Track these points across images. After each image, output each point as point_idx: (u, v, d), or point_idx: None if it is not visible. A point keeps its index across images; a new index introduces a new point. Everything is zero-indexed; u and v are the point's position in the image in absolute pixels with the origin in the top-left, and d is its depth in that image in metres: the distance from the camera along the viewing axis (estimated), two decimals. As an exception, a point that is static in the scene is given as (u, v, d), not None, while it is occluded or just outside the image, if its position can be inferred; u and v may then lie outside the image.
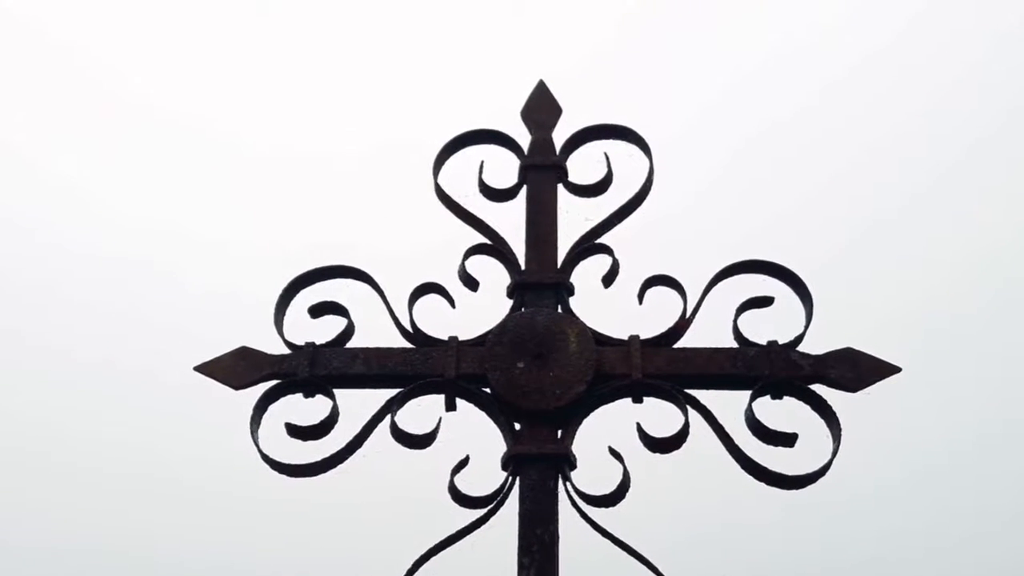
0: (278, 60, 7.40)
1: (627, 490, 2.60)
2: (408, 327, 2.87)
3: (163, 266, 7.33)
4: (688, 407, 2.69)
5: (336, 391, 2.80)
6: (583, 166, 3.11)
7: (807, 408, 2.73)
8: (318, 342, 2.84)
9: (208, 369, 2.81)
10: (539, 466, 2.63)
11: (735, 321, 2.81)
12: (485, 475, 2.70)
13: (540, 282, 2.91)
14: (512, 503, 2.63)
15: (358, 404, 2.81)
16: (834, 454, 2.65)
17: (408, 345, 2.86)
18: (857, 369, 2.73)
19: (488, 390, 2.76)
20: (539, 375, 2.73)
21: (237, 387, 2.79)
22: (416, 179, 3.25)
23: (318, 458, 2.72)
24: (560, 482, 2.63)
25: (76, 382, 6.67)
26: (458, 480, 2.66)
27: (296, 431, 2.73)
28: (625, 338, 2.82)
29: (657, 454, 2.66)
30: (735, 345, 2.81)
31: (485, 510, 2.64)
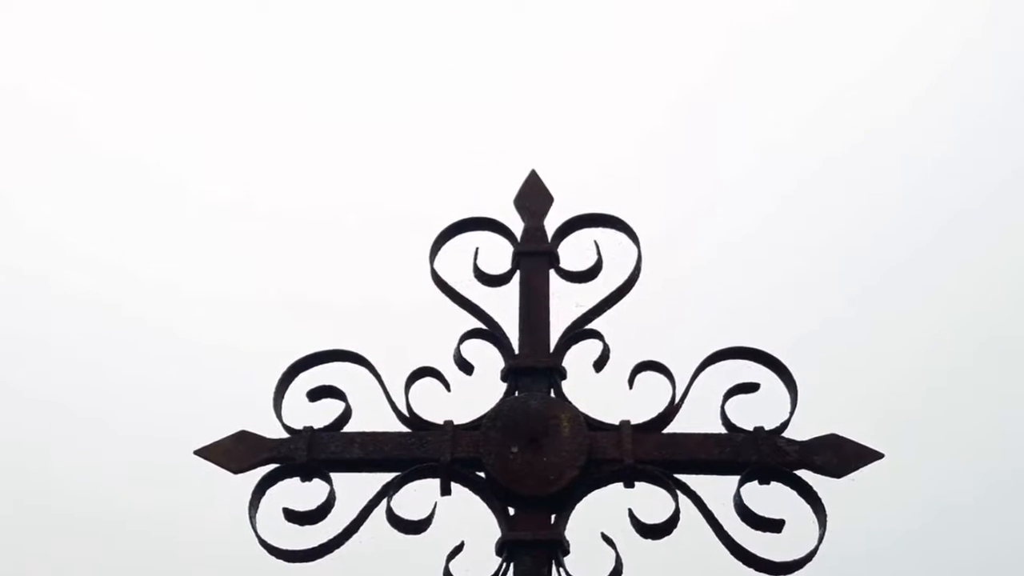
0: (282, 123, 7.54)
1: (620, 576, 2.66)
2: (404, 411, 2.93)
3: (157, 320, 7.36)
4: (678, 492, 2.76)
5: (333, 475, 2.85)
6: (574, 253, 3.22)
7: (794, 493, 2.82)
8: (316, 426, 2.90)
9: (208, 453, 2.85)
10: (533, 552, 2.68)
11: (723, 406, 2.90)
12: (479, 560, 2.74)
13: (533, 367, 2.99)
14: (507, 589, 2.67)
15: (355, 488, 2.86)
16: (820, 539, 2.72)
17: (404, 429, 2.92)
18: (841, 455, 2.81)
19: (483, 474, 2.82)
20: (533, 460, 2.79)
21: (236, 471, 2.83)
22: (412, 247, 3.36)
23: (315, 543, 2.75)
24: (554, 568, 2.68)
25: (75, 439, 6.67)
26: (453, 566, 2.70)
27: (294, 516, 2.77)
28: (616, 423, 2.89)
29: (648, 540, 2.72)
30: (723, 430, 2.89)
31: (480, 596, 2.68)
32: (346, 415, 2.92)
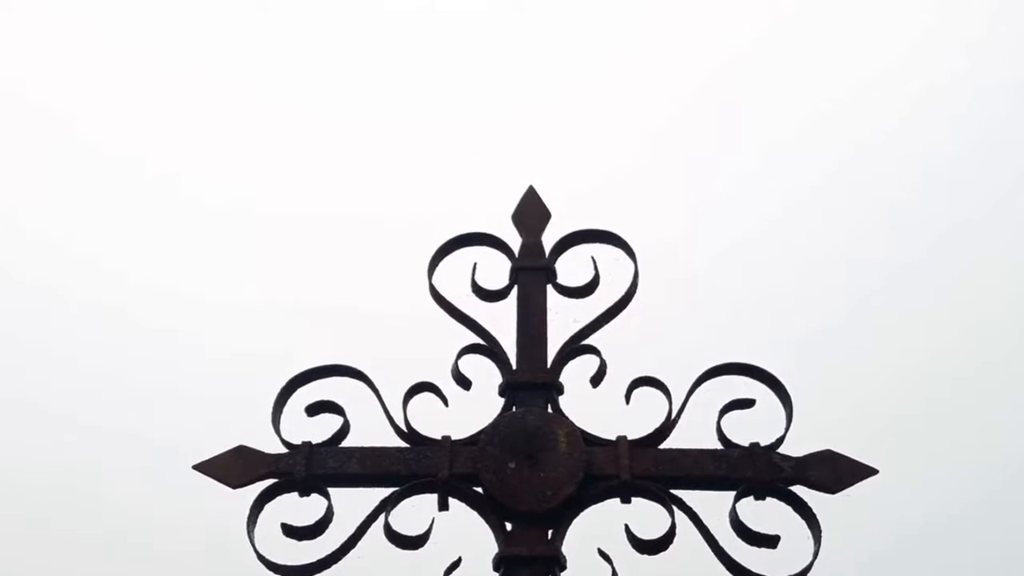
0: (282, 130, 7.58)
1: (616, 592, 2.67)
2: (402, 426, 2.95)
3: (159, 324, 7.38)
4: (675, 508, 2.78)
5: (331, 490, 2.87)
6: (572, 268, 3.24)
7: (789, 508, 2.83)
8: (314, 440, 2.92)
9: (206, 468, 2.87)
10: (531, 568, 2.70)
11: (718, 422, 2.92)
12: (477, 576, 2.76)
13: (531, 382, 3.01)
14: (504, 605, 2.69)
15: (353, 503, 2.88)
16: (815, 556, 2.74)
17: (402, 444, 2.94)
18: (835, 471, 2.83)
19: (480, 490, 2.84)
20: (530, 476, 2.81)
21: (235, 486, 2.85)
22: (410, 261, 3.38)
23: (313, 558, 2.77)
24: (551, 584, 2.70)
25: (78, 445, 6.68)
26: (451, 582, 2.72)
27: (292, 531, 2.79)
28: (613, 438, 2.91)
29: (645, 555, 2.74)
30: (719, 446, 2.91)
31: (477, 612, 2.70)
32: (344, 430, 2.94)
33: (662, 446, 2.92)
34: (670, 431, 2.93)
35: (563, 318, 3.16)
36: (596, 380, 3.03)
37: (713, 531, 2.78)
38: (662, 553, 2.74)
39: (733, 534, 2.78)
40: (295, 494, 2.87)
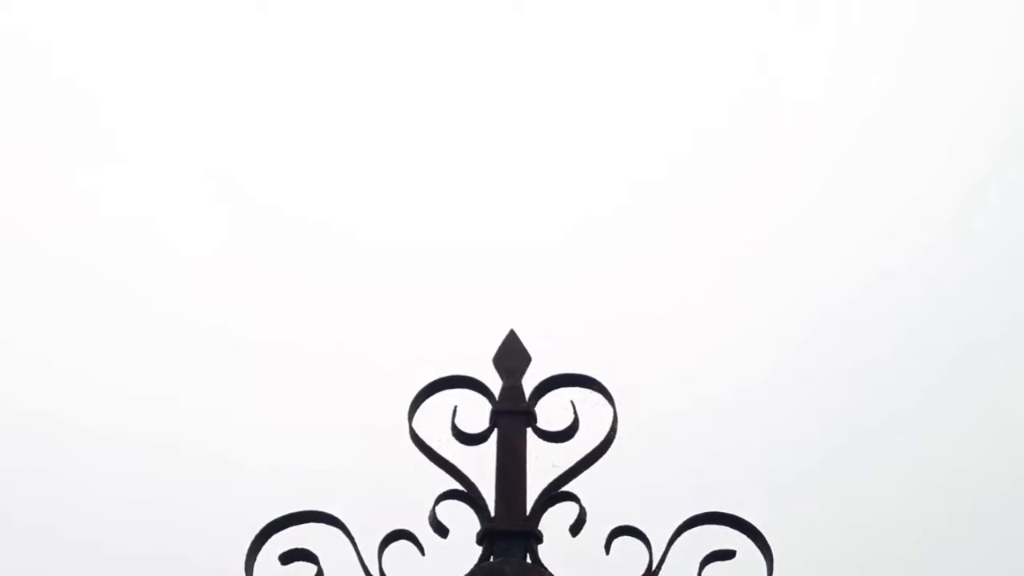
0: (264, 261, 7.66)
1: None
2: (377, 576, 2.89)
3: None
4: (655, 668, 2.70)
5: (302, 646, 2.78)
6: (552, 412, 3.24)
7: (772, 667, 2.76)
8: (287, 590, 2.85)
9: (174, 621, 2.79)
10: None
11: (699, 575, 2.87)
12: None
13: (509, 530, 2.97)
14: None
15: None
16: None
17: (376, 596, 2.87)
18: (820, 627, 2.78)
19: (455, 647, 2.76)
20: (506, 632, 2.74)
21: (202, 641, 2.77)
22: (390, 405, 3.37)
23: None
24: None
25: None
26: None
27: None
28: (593, 590, 2.85)
29: None
30: (701, 600, 2.85)
31: None
32: (318, 580, 2.87)
33: (644, 600, 2.86)
34: (651, 584, 2.88)
35: (543, 463, 3.14)
36: (575, 529, 2.99)
37: None
38: None
39: None
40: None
